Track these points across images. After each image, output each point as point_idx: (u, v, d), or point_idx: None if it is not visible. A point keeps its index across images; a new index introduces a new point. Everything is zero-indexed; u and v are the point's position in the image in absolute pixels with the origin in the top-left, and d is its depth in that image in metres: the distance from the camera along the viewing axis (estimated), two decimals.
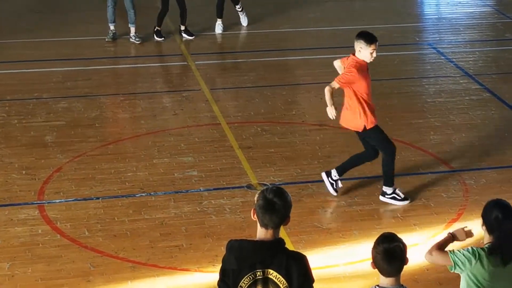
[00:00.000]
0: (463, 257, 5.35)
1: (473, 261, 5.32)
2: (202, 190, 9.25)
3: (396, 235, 4.86)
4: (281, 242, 4.84)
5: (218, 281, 4.89)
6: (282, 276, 4.75)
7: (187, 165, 9.89)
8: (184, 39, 14.41)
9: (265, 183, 9.33)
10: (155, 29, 14.30)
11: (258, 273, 4.76)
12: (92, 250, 8.13)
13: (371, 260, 4.88)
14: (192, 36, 14.45)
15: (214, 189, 9.35)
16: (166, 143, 10.46)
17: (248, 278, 4.76)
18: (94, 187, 9.36)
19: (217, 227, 8.57)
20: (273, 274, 4.76)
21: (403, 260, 4.80)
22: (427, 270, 7.78)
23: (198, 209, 8.90)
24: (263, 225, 4.79)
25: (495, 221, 5.37)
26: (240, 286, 4.78)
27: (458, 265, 5.35)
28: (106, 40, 14.17)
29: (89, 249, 8.15)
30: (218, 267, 7.64)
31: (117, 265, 7.90)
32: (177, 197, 9.15)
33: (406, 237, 5.67)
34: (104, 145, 10.43)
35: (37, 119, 11.20)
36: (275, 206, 4.75)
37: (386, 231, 4.96)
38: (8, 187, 9.37)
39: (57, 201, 9.08)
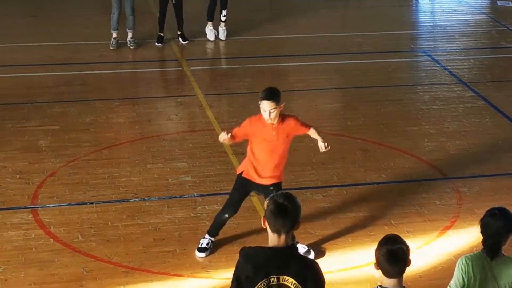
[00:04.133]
0: (461, 280, 5.45)
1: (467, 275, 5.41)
2: (196, 195, 9.24)
3: (399, 237, 4.87)
4: (294, 248, 4.86)
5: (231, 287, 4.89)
6: (298, 282, 4.76)
7: (181, 170, 9.89)
8: (180, 43, 14.44)
9: None
10: (158, 35, 14.37)
11: (272, 279, 4.76)
12: (85, 255, 8.12)
13: (374, 262, 4.89)
14: (186, 41, 14.47)
15: (208, 194, 9.34)
16: (160, 149, 10.45)
17: (262, 284, 4.75)
18: (88, 192, 9.35)
19: None
20: (288, 280, 4.76)
21: (406, 262, 4.82)
22: (420, 277, 7.78)
23: (192, 215, 8.90)
24: (276, 230, 4.79)
25: (491, 217, 5.44)
26: None
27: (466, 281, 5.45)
28: (111, 48, 14.08)
29: (82, 253, 8.14)
30: (211, 272, 7.70)
31: (110, 270, 7.89)
32: (171, 203, 9.14)
33: None
34: (98, 150, 10.42)
35: (31, 123, 11.18)
36: (287, 210, 4.77)
37: (388, 234, 4.95)
38: (1, 191, 9.36)
39: (51, 205, 9.07)
